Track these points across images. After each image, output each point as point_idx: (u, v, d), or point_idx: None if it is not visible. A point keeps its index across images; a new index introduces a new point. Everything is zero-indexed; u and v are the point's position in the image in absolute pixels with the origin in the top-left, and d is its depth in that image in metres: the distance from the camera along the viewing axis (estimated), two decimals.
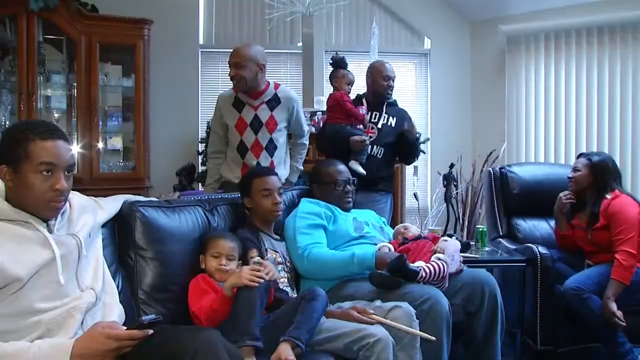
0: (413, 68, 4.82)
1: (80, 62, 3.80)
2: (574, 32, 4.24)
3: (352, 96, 3.14)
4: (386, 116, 3.11)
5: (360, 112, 3.02)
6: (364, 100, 3.13)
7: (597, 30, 4.17)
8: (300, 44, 4.33)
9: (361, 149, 2.92)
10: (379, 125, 3.08)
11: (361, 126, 3.04)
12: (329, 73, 3.15)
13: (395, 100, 3.22)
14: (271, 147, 2.80)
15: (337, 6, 4.33)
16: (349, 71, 3.08)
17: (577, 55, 4.26)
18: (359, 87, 3.32)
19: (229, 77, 2.73)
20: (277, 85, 2.84)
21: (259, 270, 1.76)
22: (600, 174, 2.75)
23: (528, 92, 4.48)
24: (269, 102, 2.78)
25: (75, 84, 3.85)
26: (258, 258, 1.87)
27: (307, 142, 3.10)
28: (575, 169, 2.84)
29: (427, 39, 4.80)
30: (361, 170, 2.90)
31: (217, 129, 2.87)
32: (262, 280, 1.73)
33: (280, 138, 2.84)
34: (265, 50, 2.79)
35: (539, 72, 4.42)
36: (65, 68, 3.92)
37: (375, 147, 3.04)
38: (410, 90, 4.77)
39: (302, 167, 3.11)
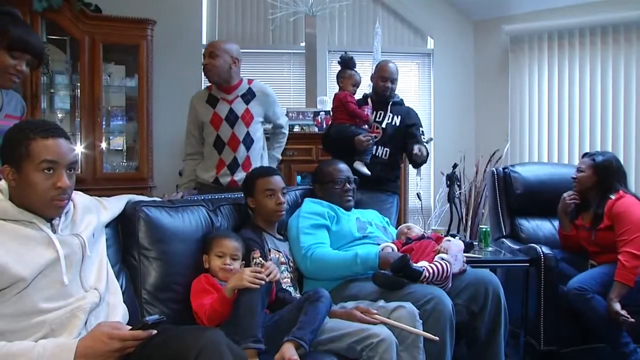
0: (416, 68, 4.80)
1: (84, 62, 3.79)
2: (578, 32, 4.23)
3: (359, 96, 3.13)
4: (391, 115, 3.08)
5: (365, 112, 3.01)
6: (369, 100, 3.12)
7: (600, 30, 4.15)
8: (303, 44, 4.32)
9: (366, 148, 2.90)
10: (384, 125, 3.06)
11: (366, 126, 3.03)
12: (337, 72, 3.13)
13: (401, 100, 3.20)
14: (248, 141, 2.79)
15: (340, 6, 4.33)
16: (356, 72, 3.06)
17: (580, 55, 4.25)
18: (364, 87, 3.32)
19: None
20: (250, 81, 2.85)
21: (260, 272, 1.75)
22: (604, 175, 2.74)
23: (531, 91, 4.46)
24: (244, 96, 2.79)
25: (78, 84, 3.84)
26: (260, 259, 1.86)
27: (287, 132, 3.09)
28: (579, 170, 2.83)
29: (430, 39, 4.78)
30: (365, 171, 2.89)
31: (193, 130, 2.86)
32: (263, 283, 1.72)
33: (257, 132, 2.84)
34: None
35: (542, 71, 4.40)
36: (69, 68, 3.92)
37: (380, 148, 3.02)
38: (414, 90, 4.75)
39: (280, 157, 3.09)
